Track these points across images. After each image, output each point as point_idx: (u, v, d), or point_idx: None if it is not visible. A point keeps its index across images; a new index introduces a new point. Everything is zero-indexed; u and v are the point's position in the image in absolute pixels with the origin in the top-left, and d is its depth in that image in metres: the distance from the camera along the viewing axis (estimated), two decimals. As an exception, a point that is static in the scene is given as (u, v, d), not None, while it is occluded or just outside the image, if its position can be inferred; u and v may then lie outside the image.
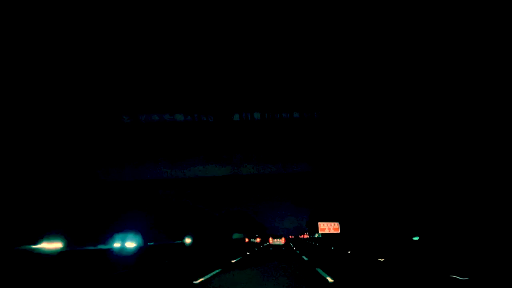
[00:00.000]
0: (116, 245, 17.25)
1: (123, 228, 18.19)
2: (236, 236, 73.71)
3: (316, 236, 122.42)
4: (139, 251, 17.26)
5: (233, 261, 16.77)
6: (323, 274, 10.78)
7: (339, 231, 47.03)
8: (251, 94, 14.07)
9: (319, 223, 47.90)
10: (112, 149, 15.42)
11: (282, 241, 43.98)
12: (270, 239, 44.98)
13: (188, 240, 28.64)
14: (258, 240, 64.22)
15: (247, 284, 9.05)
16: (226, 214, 61.59)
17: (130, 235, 18.45)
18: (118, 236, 17.65)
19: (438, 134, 15.30)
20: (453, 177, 16.73)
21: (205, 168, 15.89)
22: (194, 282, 9.22)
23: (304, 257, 19.39)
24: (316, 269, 12.32)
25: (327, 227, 46.39)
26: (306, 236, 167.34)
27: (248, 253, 24.82)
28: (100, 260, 12.59)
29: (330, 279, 9.46)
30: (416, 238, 21.55)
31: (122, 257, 14.94)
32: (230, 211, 66.75)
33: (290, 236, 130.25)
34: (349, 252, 24.55)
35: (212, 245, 34.49)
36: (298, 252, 26.82)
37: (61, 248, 12.54)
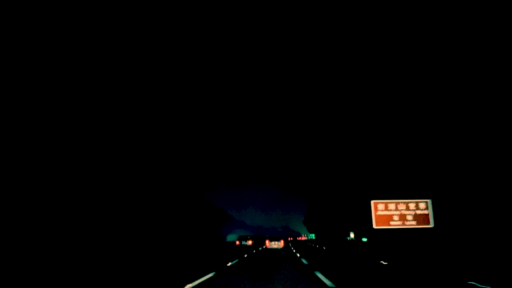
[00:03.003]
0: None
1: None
2: (230, 238, 74.01)
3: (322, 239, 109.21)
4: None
5: (228, 264, 15.18)
6: None
7: (431, 225, 20.08)
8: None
9: (372, 203, 20.60)
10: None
11: (281, 244, 39.27)
12: (267, 241, 40.27)
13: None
14: (250, 242, 61.72)
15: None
16: (215, 212, 60.27)
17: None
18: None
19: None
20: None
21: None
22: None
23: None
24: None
25: (398, 214, 19.85)
26: (304, 238, 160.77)
27: (245, 255, 23.22)
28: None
29: None
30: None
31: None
32: (217, 209, 66.58)
33: (289, 238, 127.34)
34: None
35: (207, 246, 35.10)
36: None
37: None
